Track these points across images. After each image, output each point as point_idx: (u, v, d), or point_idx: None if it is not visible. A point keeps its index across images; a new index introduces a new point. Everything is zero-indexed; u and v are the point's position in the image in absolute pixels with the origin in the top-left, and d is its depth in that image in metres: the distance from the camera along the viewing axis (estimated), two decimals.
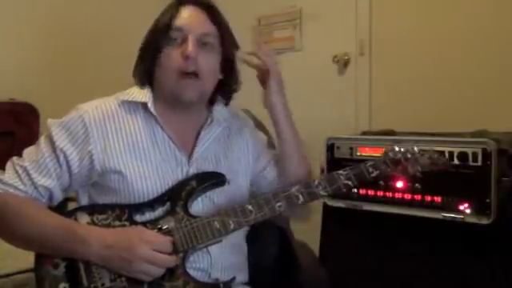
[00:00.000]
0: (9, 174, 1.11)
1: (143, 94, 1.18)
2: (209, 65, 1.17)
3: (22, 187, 1.09)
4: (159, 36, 1.16)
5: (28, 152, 1.14)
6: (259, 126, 1.51)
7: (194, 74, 1.15)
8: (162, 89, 1.18)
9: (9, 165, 1.13)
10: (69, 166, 1.11)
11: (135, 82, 1.22)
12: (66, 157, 1.11)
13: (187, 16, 1.17)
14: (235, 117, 1.34)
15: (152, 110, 1.16)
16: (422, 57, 2.40)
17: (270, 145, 1.64)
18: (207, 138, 1.23)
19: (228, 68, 1.24)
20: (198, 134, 1.22)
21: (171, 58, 1.15)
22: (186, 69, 1.14)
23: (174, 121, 1.20)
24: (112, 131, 1.14)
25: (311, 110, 2.74)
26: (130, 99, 1.17)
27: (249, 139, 1.34)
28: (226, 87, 1.27)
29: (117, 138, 1.14)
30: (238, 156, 1.29)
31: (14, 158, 1.14)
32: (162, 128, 1.17)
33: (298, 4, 2.87)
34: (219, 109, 1.27)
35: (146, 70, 1.19)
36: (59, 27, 2.59)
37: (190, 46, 1.13)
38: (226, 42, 1.21)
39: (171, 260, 1.05)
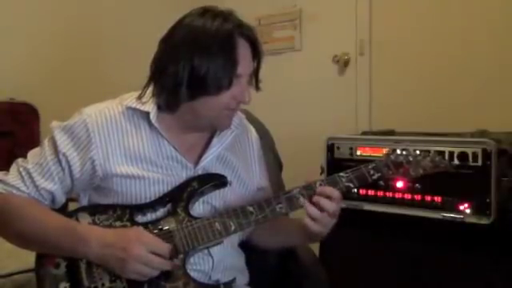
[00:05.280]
0: (12, 176, 1.11)
1: (148, 103, 1.14)
2: None
3: (24, 189, 1.09)
4: (222, 83, 1.08)
5: (32, 154, 1.14)
6: (259, 127, 1.51)
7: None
8: (195, 118, 1.14)
9: (13, 166, 1.13)
10: (70, 171, 1.11)
11: (156, 100, 1.13)
12: (68, 161, 1.11)
13: (246, 58, 1.11)
14: (243, 124, 1.32)
15: (153, 121, 1.13)
16: (421, 57, 2.40)
17: (272, 146, 1.65)
18: (218, 146, 1.21)
19: None
20: (208, 141, 1.21)
21: (223, 100, 1.10)
22: (235, 108, 1.14)
23: (181, 131, 1.17)
24: (115, 137, 1.13)
25: (311, 109, 2.75)
26: (133, 106, 1.15)
27: (256, 153, 1.33)
28: None
29: (120, 145, 1.12)
30: (244, 164, 1.28)
31: (19, 160, 1.14)
32: (167, 138, 1.15)
33: (298, 4, 2.88)
34: None
35: (179, 102, 1.11)
36: (59, 27, 2.59)
37: (248, 96, 1.12)
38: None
39: (165, 264, 1.04)
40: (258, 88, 1.18)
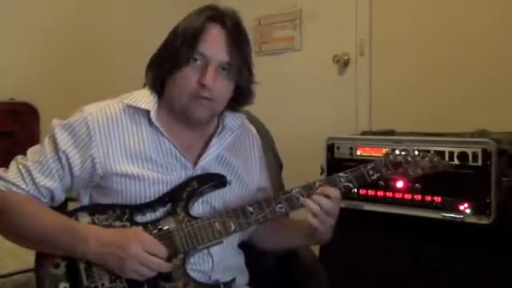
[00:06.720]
0: (12, 173, 1.11)
1: (148, 100, 1.16)
2: (223, 92, 1.15)
3: (23, 186, 1.09)
4: (180, 52, 1.11)
5: (32, 151, 1.14)
6: (259, 127, 1.51)
7: (207, 98, 1.13)
8: (172, 102, 1.15)
9: (13, 163, 1.13)
10: (70, 168, 1.11)
11: (145, 81, 1.19)
12: (67, 159, 1.11)
13: (213, 40, 1.11)
14: (245, 124, 1.32)
15: (154, 119, 1.14)
16: (421, 57, 2.40)
17: (272, 146, 1.65)
18: (217, 147, 1.21)
19: (241, 93, 1.21)
20: (208, 141, 1.21)
21: (187, 79, 1.11)
22: (199, 94, 1.12)
23: (179, 129, 1.18)
24: (115, 136, 1.13)
25: (311, 109, 2.75)
26: (134, 104, 1.15)
27: (257, 154, 1.33)
28: (237, 103, 1.23)
29: (120, 143, 1.13)
30: (244, 164, 1.28)
31: (19, 157, 1.14)
32: (167, 136, 1.16)
33: (298, 4, 2.88)
34: (231, 116, 1.25)
35: (159, 78, 1.17)
36: (60, 27, 2.59)
37: (210, 78, 1.10)
38: (244, 71, 1.17)
39: (162, 265, 1.03)
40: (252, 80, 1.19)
